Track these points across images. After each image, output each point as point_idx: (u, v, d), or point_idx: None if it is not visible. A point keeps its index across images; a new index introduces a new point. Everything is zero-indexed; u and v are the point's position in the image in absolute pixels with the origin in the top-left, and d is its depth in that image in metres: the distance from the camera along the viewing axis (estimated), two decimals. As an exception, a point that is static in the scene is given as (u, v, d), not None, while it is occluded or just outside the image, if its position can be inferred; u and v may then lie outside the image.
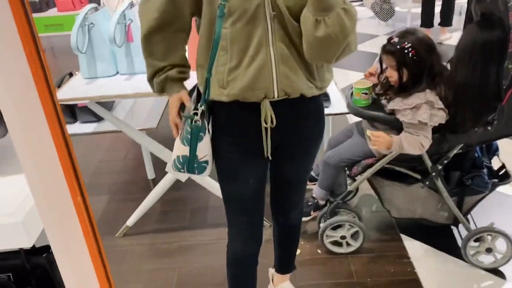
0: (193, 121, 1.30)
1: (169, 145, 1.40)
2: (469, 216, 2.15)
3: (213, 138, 1.39)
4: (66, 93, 2.09)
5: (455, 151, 1.91)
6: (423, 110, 1.75)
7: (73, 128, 2.60)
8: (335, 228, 2.12)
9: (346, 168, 2.15)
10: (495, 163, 2.11)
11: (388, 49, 1.79)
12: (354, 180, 2.44)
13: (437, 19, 5.06)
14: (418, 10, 5.17)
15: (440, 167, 1.94)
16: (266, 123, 1.31)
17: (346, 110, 2.19)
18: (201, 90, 1.33)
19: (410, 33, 1.79)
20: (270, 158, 1.40)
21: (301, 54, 1.27)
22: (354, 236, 2.15)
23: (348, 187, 2.27)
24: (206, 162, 1.37)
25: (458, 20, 5.38)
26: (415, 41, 1.75)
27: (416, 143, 1.79)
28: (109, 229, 2.45)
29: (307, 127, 1.43)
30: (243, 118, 1.35)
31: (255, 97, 1.28)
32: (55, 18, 6.52)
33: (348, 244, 2.17)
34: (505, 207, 2.42)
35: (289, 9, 1.22)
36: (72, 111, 2.66)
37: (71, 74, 2.65)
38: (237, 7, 1.19)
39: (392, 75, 1.82)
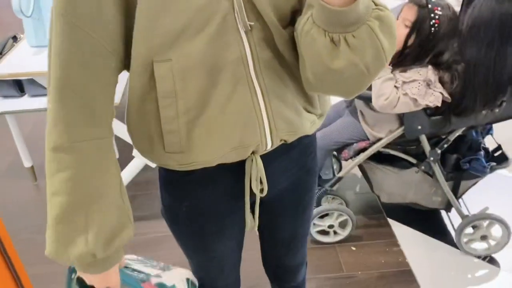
0: None
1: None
2: (460, 200, 2.03)
3: (170, 206, 0.95)
4: (10, 66, 1.76)
5: (457, 134, 1.75)
6: (416, 85, 1.57)
7: (20, 103, 2.26)
8: (322, 216, 1.94)
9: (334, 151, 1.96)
10: (489, 143, 1.98)
11: (418, 0, 1.54)
12: (340, 163, 2.28)
13: None
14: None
15: (439, 151, 1.78)
16: (260, 192, 0.88)
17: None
18: None
19: (451, 8, 1.55)
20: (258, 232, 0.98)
21: (295, 76, 0.80)
22: (342, 223, 1.99)
23: (335, 171, 2.10)
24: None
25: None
26: (448, 17, 1.53)
27: (392, 88, 1.59)
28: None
29: (304, 167, 0.99)
30: (215, 183, 0.88)
31: (239, 156, 0.82)
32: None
33: (335, 233, 2.00)
34: (498, 187, 2.31)
35: (278, 13, 0.74)
36: (19, 83, 2.31)
37: (15, 38, 2.28)
38: (187, 18, 0.69)
39: (400, 33, 1.57)
